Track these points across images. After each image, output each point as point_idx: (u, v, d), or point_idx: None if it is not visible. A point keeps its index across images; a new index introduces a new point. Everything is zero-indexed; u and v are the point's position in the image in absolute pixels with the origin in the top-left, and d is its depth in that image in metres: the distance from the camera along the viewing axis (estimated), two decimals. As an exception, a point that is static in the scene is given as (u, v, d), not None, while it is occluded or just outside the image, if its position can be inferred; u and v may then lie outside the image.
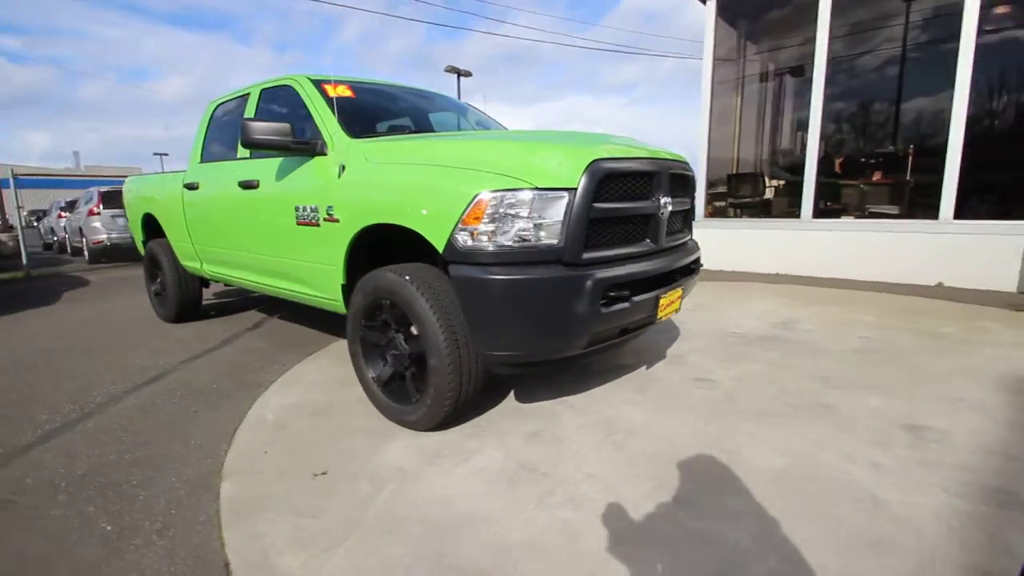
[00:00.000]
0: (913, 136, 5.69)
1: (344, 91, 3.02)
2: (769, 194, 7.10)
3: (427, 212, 2.14)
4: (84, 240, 10.15)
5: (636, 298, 2.23)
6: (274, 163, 3.05)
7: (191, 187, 3.86)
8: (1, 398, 2.99)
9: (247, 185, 3.21)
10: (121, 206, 10.14)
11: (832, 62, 5.69)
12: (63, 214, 12.94)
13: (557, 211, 2.01)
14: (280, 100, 3.26)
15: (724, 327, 4.01)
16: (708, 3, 6.36)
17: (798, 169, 6.12)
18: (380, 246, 2.58)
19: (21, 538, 1.75)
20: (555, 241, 2.03)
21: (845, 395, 2.71)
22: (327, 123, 2.77)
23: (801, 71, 6.42)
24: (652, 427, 2.41)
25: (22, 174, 8.75)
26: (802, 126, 6.35)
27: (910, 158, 6.05)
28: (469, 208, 2.02)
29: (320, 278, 2.85)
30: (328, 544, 1.68)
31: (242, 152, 3.41)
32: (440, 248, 2.12)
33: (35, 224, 16.14)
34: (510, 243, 2.03)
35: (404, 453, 2.25)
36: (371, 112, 3.17)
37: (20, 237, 8.38)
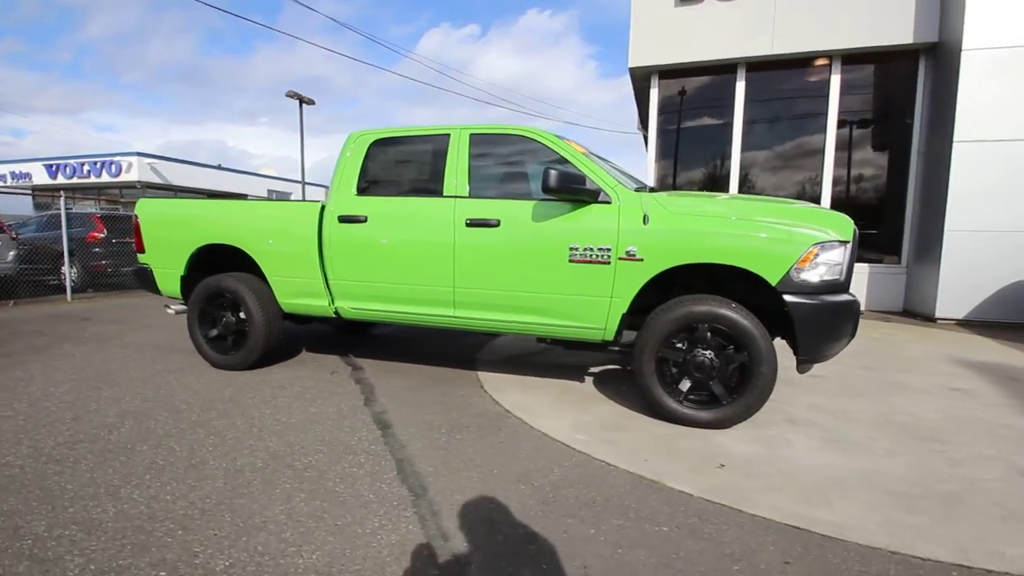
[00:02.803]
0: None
1: (580, 148, 3.47)
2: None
3: (763, 255, 2.86)
4: None
5: (856, 316, 3.29)
6: (521, 205, 3.30)
7: (352, 220, 3.63)
8: (270, 456, 2.52)
9: (481, 223, 3.34)
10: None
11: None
12: None
13: (842, 256, 2.95)
14: (505, 147, 3.51)
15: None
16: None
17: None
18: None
19: (628, 544, 1.90)
20: (840, 277, 2.96)
21: (898, 376, 4.19)
22: (602, 176, 3.21)
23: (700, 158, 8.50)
24: (843, 407, 3.46)
25: None
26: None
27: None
28: (804, 253, 2.83)
29: (590, 310, 3.21)
30: (825, 500, 2.27)
31: (450, 190, 3.48)
32: (774, 282, 2.86)
33: None
34: (818, 279, 2.90)
35: (744, 445, 2.84)
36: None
37: None
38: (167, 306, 4.42)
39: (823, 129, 7.52)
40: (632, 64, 7.96)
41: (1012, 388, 3.90)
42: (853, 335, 3.03)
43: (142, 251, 4.34)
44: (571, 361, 4.56)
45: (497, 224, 3.33)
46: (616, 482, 2.41)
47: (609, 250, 3.11)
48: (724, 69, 7.81)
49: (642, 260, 3.06)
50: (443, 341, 5.31)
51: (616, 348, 3.48)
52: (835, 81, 7.40)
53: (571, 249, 3.18)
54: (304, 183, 22.22)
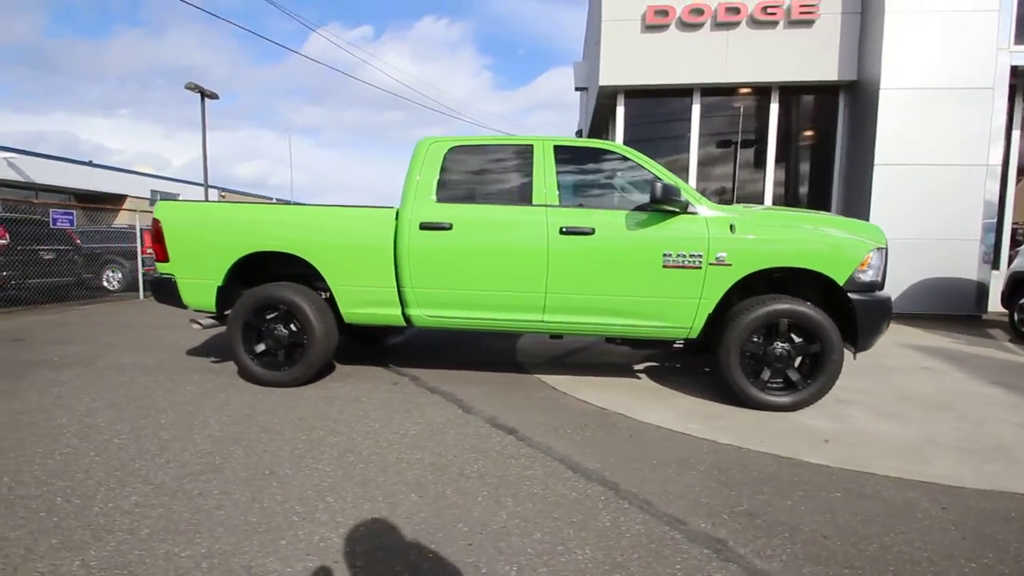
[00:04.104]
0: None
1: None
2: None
3: (836, 260, 3.36)
4: None
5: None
6: (614, 214, 3.52)
7: (435, 227, 3.58)
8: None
9: (576, 231, 3.49)
10: None
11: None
12: None
13: (882, 259, 3.55)
14: (587, 159, 3.71)
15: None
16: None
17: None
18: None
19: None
20: (879, 278, 3.55)
21: (880, 359, 5.00)
22: (687, 189, 3.52)
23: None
24: (864, 386, 4.10)
25: None
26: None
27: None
28: (864, 258, 3.38)
29: (678, 312, 3.51)
30: (922, 459, 2.75)
31: (540, 199, 3.59)
32: (841, 282, 3.37)
33: None
34: (869, 279, 3.46)
35: (824, 422, 3.28)
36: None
37: None
38: (195, 322, 3.97)
39: (765, 148, 8.61)
40: (602, 83, 8.48)
41: (961, 364, 4.86)
42: (888, 326, 3.65)
43: (165, 260, 3.85)
44: (610, 360, 4.83)
45: (592, 232, 3.51)
46: (762, 462, 2.71)
47: (700, 256, 3.44)
48: (682, 92, 8.62)
49: (731, 265, 3.42)
50: (465, 347, 5.31)
51: (680, 346, 3.83)
52: (774, 108, 8.52)
53: (665, 255, 3.46)
54: (207, 185, 20.17)
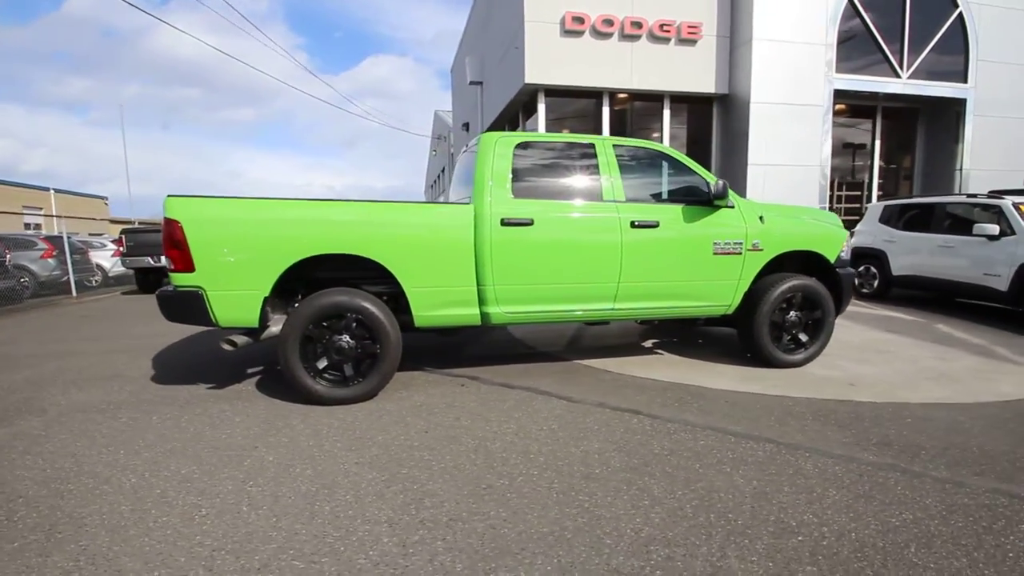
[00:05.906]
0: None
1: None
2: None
3: (829, 243, 4.24)
4: None
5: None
6: (672, 209, 3.92)
7: (517, 223, 3.53)
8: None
9: (644, 225, 3.79)
10: None
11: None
12: None
13: (849, 242, 4.59)
14: (640, 158, 4.03)
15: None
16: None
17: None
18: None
19: (914, 439, 2.89)
20: (847, 256, 4.58)
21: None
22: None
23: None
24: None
25: None
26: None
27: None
28: (845, 242, 4.33)
29: (722, 292, 4.07)
30: (917, 388, 3.73)
31: (609, 195, 3.80)
32: (832, 260, 4.28)
33: None
34: (845, 257, 4.45)
35: (831, 371, 4.16)
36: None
37: None
38: (230, 341, 3.30)
39: (660, 149, 9.88)
40: (527, 80, 8.80)
41: (852, 320, 6.38)
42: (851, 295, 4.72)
43: (188, 270, 3.13)
44: (612, 341, 5.25)
45: (657, 225, 3.86)
46: (838, 407, 3.39)
47: (741, 243, 4.03)
48: (594, 94, 9.39)
49: (763, 250, 4.09)
50: (468, 343, 5.26)
51: (702, 322, 4.46)
52: (666, 113, 9.80)
53: (715, 244, 3.98)
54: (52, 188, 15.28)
